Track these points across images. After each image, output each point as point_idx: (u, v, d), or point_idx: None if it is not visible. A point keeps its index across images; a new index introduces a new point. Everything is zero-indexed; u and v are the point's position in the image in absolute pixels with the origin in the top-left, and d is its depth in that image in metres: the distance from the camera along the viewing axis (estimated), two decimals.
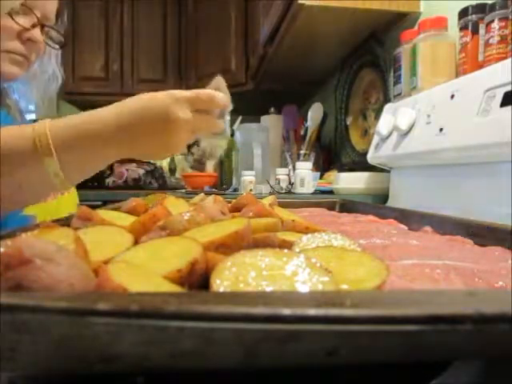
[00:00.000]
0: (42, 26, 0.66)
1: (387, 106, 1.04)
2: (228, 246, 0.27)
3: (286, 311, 0.14)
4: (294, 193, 1.27)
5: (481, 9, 0.82)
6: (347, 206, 0.77)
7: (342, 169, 1.49)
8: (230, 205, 0.51)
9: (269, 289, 0.19)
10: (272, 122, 1.88)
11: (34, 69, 0.73)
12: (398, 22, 1.22)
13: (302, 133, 1.74)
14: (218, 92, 0.53)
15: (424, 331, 0.14)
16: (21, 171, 0.46)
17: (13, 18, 0.61)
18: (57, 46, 0.72)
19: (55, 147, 0.45)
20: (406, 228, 0.50)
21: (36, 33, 0.64)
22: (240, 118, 1.57)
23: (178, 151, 0.53)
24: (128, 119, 0.48)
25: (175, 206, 0.44)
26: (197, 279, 0.22)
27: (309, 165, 1.30)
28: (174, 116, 0.48)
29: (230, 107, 0.57)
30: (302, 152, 1.58)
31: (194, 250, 0.23)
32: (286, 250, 0.22)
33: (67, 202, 0.80)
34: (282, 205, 0.56)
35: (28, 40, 0.64)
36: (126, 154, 0.50)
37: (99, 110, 0.48)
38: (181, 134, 0.49)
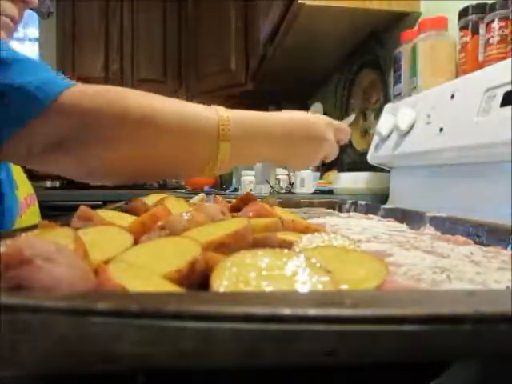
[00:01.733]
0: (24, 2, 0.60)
1: (387, 106, 1.04)
2: (228, 246, 0.27)
3: (286, 311, 0.14)
4: (294, 193, 1.27)
5: (481, 9, 0.82)
6: (347, 206, 0.77)
7: (342, 169, 1.49)
8: (230, 205, 0.51)
9: (269, 289, 0.19)
10: None
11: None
12: (398, 21, 1.22)
13: None
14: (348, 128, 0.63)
15: (424, 331, 0.14)
16: (194, 148, 0.49)
17: None
18: (45, 11, 0.68)
19: (233, 136, 0.49)
20: (406, 227, 0.50)
21: (12, 10, 0.59)
22: None
23: (312, 165, 0.61)
24: (294, 129, 0.54)
25: (175, 206, 0.44)
26: (197, 279, 0.22)
27: None
28: (326, 138, 0.55)
29: None
30: None
31: (193, 249, 0.23)
32: (285, 250, 0.22)
33: (33, 215, 0.75)
34: (282, 205, 0.56)
35: (20, 1, 0.59)
36: (277, 158, 0.56)
37: (269, 113, 0.54)
38: (323, 153, 0.57)
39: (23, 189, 0.72)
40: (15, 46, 0.60)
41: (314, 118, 0.56)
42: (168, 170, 0.54)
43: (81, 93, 0.43)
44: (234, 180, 1.65)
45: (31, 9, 0.64)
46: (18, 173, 0.73)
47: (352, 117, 0.68)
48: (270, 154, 0.54)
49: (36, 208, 0.79)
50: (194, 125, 0.48)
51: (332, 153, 0.60)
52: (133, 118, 0.45)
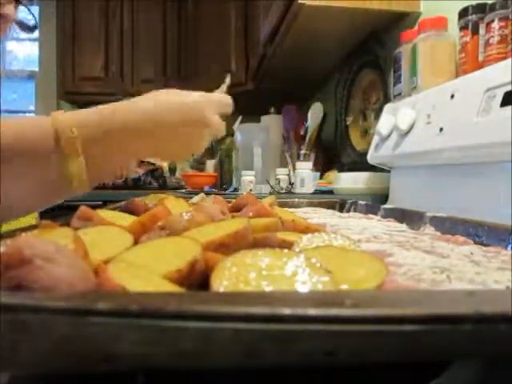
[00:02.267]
0: (17, 2, 0.59)
1: (387, 106, 1.04)
2: (228, 246, 0.27)
3: (286, 311, 0.14)
4: (294, 193, 1.27)
5: (481, 9, 0.82)
6: (347, 205, 0.77)
7: (342, 169, 1.49)
8: (230, 205, 0.51)
9: (269, 289, 0.19)
10: (272, 122, 1.88)
11: None
12: (398, 21, 1.22)
13: (302, 133, 1.74)
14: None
15: (424, 331, 0.14)
16: (37, 171, 0.42)
17: None
18: (29, 31, 0.68)
19: (82, 143, 0.41)
20: (406, 227, 0.50)
21: (9, 9, 0.58)
22: (240, 118, 1.57)
23: (198, 152, 0.52)
24: (166, 113, 0.45)
25: (175, 206, 0.44)
26: (197, 279, 0.22)
27: (309, 165, 1.30)
28: (207, 120, 0.47)
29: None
30: (302, 152, 1.58)
31: (193, 249, 0.23)
32: (285, 250, 0.22)
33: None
34: (282, 204, 0.56)
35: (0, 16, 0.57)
36: (151, 151, 0.47)
37: (134, 99, 0.45)
38: (207, 136, 0.49)
39: None
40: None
41: (190, 99, 0.47)
42: (17, 207, 0.45)
43: None
44: (233, 180, 1.65)
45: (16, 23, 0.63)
46: None
47: (226, 81, 0.58)
48: (142, 148, 0.46)
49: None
50: (23, 142, 0.40)
51: (219, 132, 0.52)
52: None
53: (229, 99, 0.52)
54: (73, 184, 0.42)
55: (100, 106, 0.44)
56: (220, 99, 0.51)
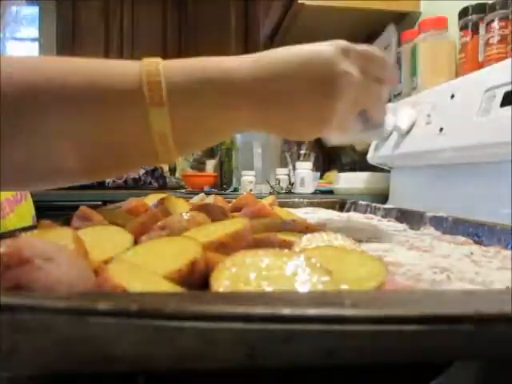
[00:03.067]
0: None
1: (387, 106, 1.04)
2: (228, 246, 0.27)
3: (286, 311, 0.14)
4: (294, 193, 1.27)
5: (481, 9, 0.82)
6: (347, 205, 0.77)
7: (342, 169, 1.49)
8: (230, 205, 0.51)
9: (269, 289, 0.19)
10: None
11: None
12: (398, 22, 1.22)
13: None
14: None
15: (424, 331, 0.14)
16: (117, 126, 0.32)
17: None
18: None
19: (169, 96, 0.31)
20: (406, 227, 0.50)
21: None
22: None
23: (332, 127, 0.36)
24: (275, 69, 0.34)
25: (175, 206, 0.44)
26: (197, 279, 0.22)
27: (309, 165, 1.30)
28: (339, 69, 0.35)
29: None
30: (302, 152, 1.58)
31: (193, 249, 0.23)
32: (286, 250, 0.22)
33: (22, 213, 0.65)
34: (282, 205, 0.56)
35: None
36: (261, 120, 0.35)
37: (230, 57, 0.34)
38: (343, 99, 0.35)
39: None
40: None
41: (318, 46, 0.37)
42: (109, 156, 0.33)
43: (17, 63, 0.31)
44: (233, 180, 1.65)
45: None
46: None
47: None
48: (247, 115, 0.34)
49: (28, 203, 0.69)
50: (104, 87, 0.31)
51: (369, 96, 0.38)
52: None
53: (382, 55, 0.40)
54: (156, 147, 0.32)
55: (195, 59, 0.34)
56: (366, 51, 0.40)
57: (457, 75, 0.88)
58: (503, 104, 0.62)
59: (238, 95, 0.33)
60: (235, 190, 1.48)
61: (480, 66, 0.79)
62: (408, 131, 0.88)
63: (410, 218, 0.53)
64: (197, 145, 0.36)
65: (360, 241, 0.39)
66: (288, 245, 0.29)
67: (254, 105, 0.33)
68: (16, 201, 0.64)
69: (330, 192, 1.23)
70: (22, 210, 0.65)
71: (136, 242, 0.30)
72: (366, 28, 1.30)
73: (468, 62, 0.84)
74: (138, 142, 0.33)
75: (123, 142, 0.33)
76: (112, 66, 0.32)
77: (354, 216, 0.61)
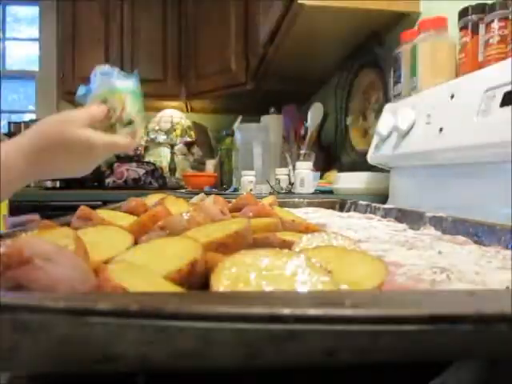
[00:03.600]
0: None
1: (387, 106, 1.04)
2: (228, 246, 0.27)
3: (286, 311, 0.14)
4: (293, 193, 1.27)
5: (481, 9, 0.82)
6: (347, 205, 0.77)
7: (341, 169, 1.49)
8: (230, 205, 0.51)
9: (269, 289, 0.19)
10: (272, 122, 1.87)
11: None
12: (398, 22, 1.22)
13: (302, 133, 1.74)
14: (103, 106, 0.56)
15: (424, 331, 0.14)
16: None
17: None
18: None
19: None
20: (406, 227, 0.50)
21: None
22: (240, 118, 1.56)
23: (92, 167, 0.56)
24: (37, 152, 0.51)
25: (175, 206, 0.44)
26: (197, 279, 0.22)
27: (309, 165, 1.30)
28: (69, 135, 0.52)
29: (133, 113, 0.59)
30: (302, 152, 1.58)
31: (193, 249, 0.23)
32: (286, 250, 0.22)
33: None
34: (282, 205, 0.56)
35: None
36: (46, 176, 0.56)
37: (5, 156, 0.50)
38: (87, 152, 0.53)
39: None
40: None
41: (40, 124, 0.53)
42: None
43: None
44: (233, 180, 1.65)
45: None
46: None
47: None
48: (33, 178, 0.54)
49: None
50: None
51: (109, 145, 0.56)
52: None
53: (102, 110, 0.56)
54: None
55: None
56: (87, 113, 0.55)
57: (457, 75, 0.88)
58: (503, 104, 0.62)
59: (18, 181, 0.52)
60: (235, 190, 1.48)
61: (480, 66, 0.79)
62: (407, 131, 0.88)
63: (410, 218, 0.53)
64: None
65: (360, 241, 0.39)
66: (288, 245, 0.29)
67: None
68: None
69: (330, 192, 1.23)
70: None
71: (136, 242, 0.30)
72: (366, 28, 1.30)
73: (468, 62, 0.84)
74: None
75: None
76: None
77: (354, 216, 0.61)
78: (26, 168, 0.51)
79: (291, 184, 1.32)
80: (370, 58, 1.40)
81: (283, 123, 1.91)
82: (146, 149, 2.33)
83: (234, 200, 0.52)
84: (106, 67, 0.62)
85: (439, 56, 0.92)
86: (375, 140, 1.05)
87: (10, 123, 2.08)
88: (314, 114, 1.70)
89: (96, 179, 1.84)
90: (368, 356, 0.14)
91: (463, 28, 0.85)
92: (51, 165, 0.53)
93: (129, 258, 0.24)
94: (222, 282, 0.19)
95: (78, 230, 0.31)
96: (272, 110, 1.94)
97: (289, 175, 1.37)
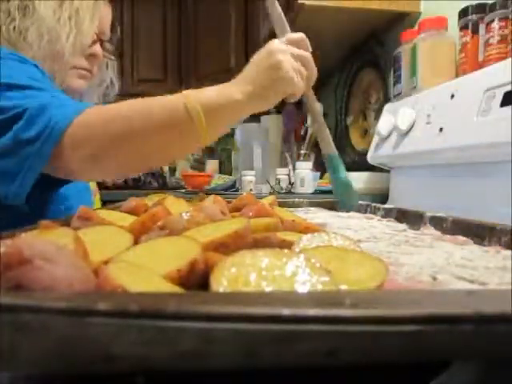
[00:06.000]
0: (101, 41, 0.75)
1: (387, 106, 1.04)
2: (228, 246, 0.27)
3: (286, 311, 0.14)
4: (294, 193, 1.27)
5: (481, 9, 0.82)
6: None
7: None
8: (229, 205, 0.51)
9: (268, 289, 0.19)
10: (272, 122, 1.88)
11: (96, 79, 0.82)
12: (398, 21, 1.22)
13: (302, 133, 1.74)
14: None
15: (424, 331, 0.14)
16: (174, 135, 0.54)
17: None
18: (113, 57, 0.82)
19: (205, 120, 0.53)
20: (406, 227, 0.50)
21: (96, 48, 0.74)
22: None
23: (289, 85, 0.57)
24: (254, 68, 0.59)
25: (175, 206, 0.44)
26: (197, 279, 0.22)
27: (309, 165, 1.30)
28: (271, 47, 0.57)
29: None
30: (302, 152, 1.58)
31: (193, 249, 0.23)
32: (285, 250, 0.22)
33: (97, 201, 0.93)
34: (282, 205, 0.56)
35: (90, 55, 0.73)
36: (255, 101, 0.57)
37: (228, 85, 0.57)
38: (284, 64, 0.55)
39: (92, 185, 0.88)
40: (80, 82, 0.77)
41: (268, 46, 0.57)
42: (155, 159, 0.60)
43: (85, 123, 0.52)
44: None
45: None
46: None
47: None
48: (247, 108, 0.57)
49: (98, 195, 0.98)
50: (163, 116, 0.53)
51: (302, 65, 0.58)
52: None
53: (296, 36, 0.60)
54: (198, 144, 0.56)
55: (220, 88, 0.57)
56: (289, 37, 0.59)
57: (457, 75, 0.88)
58: (503, 104, 0.62)
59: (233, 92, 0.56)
60: (235, 190, 1.48)
61: (480, 66, 0.79)
62: (407, 131, 0.88)
63: (410, 217, 0.53)
64: (221, 129, 0.59)
65: (360, 241, 0.39)
66: (288, 245, 0.29)
67: (242, 91, 0.56)
68: (94, 193, 0.91)
69: (330, 192, 1.23)
70: (97, 200, 0.95)
71: (136, 242, 0.29)
72: (366, 28, 1.30)
73: (468, 62, 0.84)
74: (188, 134, 0.54)
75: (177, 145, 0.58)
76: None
77: (354, 216, 0.61)
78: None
79: (291, 184, 1.32)
80: (369, 58, 1.40)
81: (283, 123, 1.91)
82: None
83: (234, 200, 0.52)
84: None
85: (439, 56, 0.92)
86: (375, 140, 1.05)
87: None
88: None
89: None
90: (368, 356, 0.14)
91: (463, 28, 0.85)
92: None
93: (129, 258, 0.24)
94: (221, 282, 0.19)
95: (78, 230, 0.30)
96: (272, 110, 1.94)
97: (289, 175, 1.37)
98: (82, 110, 0.52)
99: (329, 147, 0.67)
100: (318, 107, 0.69)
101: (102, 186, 1.76)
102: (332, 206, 0.78)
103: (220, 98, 0.55)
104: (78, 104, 0.57)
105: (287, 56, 0.56)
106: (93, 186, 0.91)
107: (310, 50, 0.60)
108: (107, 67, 0.83)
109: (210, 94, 0.55)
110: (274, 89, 0.57)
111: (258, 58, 0.59)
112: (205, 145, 0.57)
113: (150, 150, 0.55)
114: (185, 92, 0.55)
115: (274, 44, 0.57)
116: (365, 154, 1.13)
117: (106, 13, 0.77)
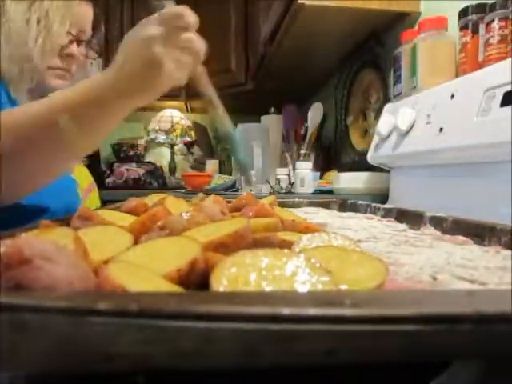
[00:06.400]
0: (79, 41, 0.73)
1: (387, 106, 1.04)
2: (228, 246, 0.27)
3: (286, 311, 0.14)
4: (294, 193, 1.27)
5: (481, 9, 0.82)
6: (347, 205, 0.77)
7: (341, 169, 1.49)
8: (229, 205, 0.51)
9: (268, 289, 0.19)
10: (272, 122, 1.88)
11: (79, 78, 0.78)
12: (398, 21, 1.22)
13: (302, 133, 1.74)
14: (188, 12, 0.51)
15: (424, 331, 0.14)
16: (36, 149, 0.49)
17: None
18: (95, 55, 0.79)
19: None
20: (406, 227, 0.50)
21: (73, 48, 0.72)
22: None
23: (169, 81, 0.50)
24: (127, 80, 0.49)
25: (175, 206, 0.44)
26: (197, 279, 0.22)
27: (309, 165, 1.30)
28: (147, 32, 0.47)
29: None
30: (302, 152, 1.58)
31: (193, 249, 0.23)
32: (285, 250, 0.22)
33: (93, 198, 0.92)
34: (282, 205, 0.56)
35: (67, 56, 0.71)
36: (128, 101, 0.50)
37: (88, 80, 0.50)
38: (163, 60, 0.47)
39: (83, 182, 0.84)
40: (58, 82, 0.76)
41: (143, 32, 0.48)
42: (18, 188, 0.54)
43: None
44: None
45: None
46: (78, 169, 0.86)
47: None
48: (120, 107, 0.50)
49: (95, 192, 0.95)
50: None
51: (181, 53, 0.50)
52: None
53: (174, 10, 0.50)
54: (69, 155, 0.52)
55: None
56: (164, 14, 0.49)
57: (457, 75, 0.88)
58: (503, 104, 0.62)
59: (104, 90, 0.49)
60: (235, 190, 1.48)
61: (480, 66, 0.79)
62: (407, 131, 0.88)
63: (410, 217, 0.53)
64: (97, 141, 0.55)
65: (360, 241, 0.39)
66: (288, 245, 0.29)
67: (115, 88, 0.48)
68: (89, 190, 0.88)
69: (330, 192, 1.23)
70: (94, 197, 0.91)
71: (136, 242, 0.29)
72: (366, 28, 1.30)
73: (468, 62, 0.84)
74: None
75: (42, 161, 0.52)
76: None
77: (354, 216, 0.61)
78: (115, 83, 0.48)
79: (291, 184, 1.32)
80: (370, 58, 1.40)
81: (283, 123, 1.91)
82: (146, 149, 2.33)
83: (234, 200, 0.52)
84: None
85: (439, 56, 0.92)
86: (375, 140, 1.05)
87: None
88: (314, 114, 1.70)
89: (96, 179, 1.84)
90: (368, 356, 0.14)
91: (463, 28, 0.85)
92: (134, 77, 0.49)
93: (129, 257, 0.24)
94: (221, 282, 0.19)
95: (78, 230, 0.31)
96: (272, 110, 1.94)
97: (289, 175, 1.37)
98: None
99: (227, 125, 0.62)
100: (210, 85, 0.66)
101: (102, 183, 1.75)
102: (332, 206, 0.78)
103: (85, 98, 0.49)
104: None
105: (166, 48, 0.48)
106: (84, 181, 0.87)
107: (193, 20, 0.52)
108: (91, 65, 0.83)
109: (71, 95, 0.49)
110: (151, 88, 0.50)
111: (132, 45, 0.49)
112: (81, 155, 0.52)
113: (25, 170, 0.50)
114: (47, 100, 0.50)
115: (151, 31, 0.47)
116: (365, 154, 1.13)
117: (86, 12, 0.76)
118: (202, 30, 0.56)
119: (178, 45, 0.49)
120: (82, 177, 0.85)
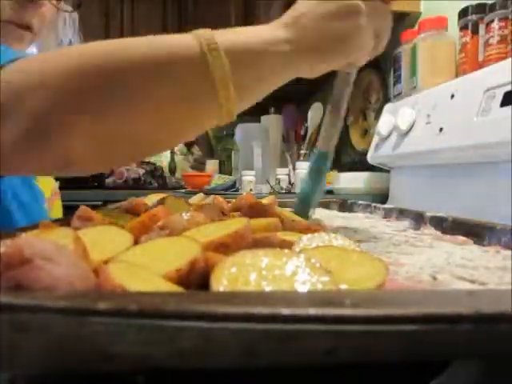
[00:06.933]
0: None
1: (387, 106, 1.04)
2: (228, 246, 0.27)
3: (286, 311, 0.14)
4: (294, 193, 1.27)
5: (481, 9, 0.82)
6: (347, 205, 0.77)
7: (342, 169, 1.49)
8: (229, 205, 0.51)
9: (268, 289, 0.19)
10: (272, 122, 1.88)
11: (47, 39, 0.60)
12: (398, 21, 1.22)
13: (302, 133, 1.74)
14: None
15: (424, 331, 0.14)
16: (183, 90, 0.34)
17: None
18: (69, 8, 0.57)
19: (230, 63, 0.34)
20: (406, 227, 0.50)
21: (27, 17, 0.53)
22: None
23: (361, 45, 0.40)
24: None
25: (175, 206, 0.44)
26: (197, 279, 0.22)
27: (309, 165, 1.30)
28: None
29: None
30: (302, 152, 1.58)
31: (193, 249, 0.23)
32: (286, 250, 0.22)
33: (57, 207, 0.74)
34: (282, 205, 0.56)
35: (25, 2, 0.52)
36: (302, 52, 0.38)
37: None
38: (363, 10, 0.37)
39: (47, 191, 0.67)
40: (16, 45, 0.56)
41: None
42: (166, 128, 0.36)
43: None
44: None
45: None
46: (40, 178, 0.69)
47: None
48: (291, 55, 0.38)
49: (59, 200, 0.76)
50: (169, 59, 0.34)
51: (377, 14, 0.39)
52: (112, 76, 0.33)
53: None
54: (218, 91, 0.35)
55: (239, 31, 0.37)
56: None
57: (457, 75, 0.88)
58: (503, 104, 0.62)
59: (279, 43, 0.37)
60: (235, 190, 1.48)
61: (480, 65, 0.79)
62: (407, 131, 0.88)
63: (410, 218, 0.53)
64: (253, 91, 0.42)
65: (360, 241, 0.39)
66: (288, 245, 0.29)
67: (290, 40, 0.37)
68: (53, 199, 0.71)
69: (330, 192, 1.23)
70: (57, 205, 0.72)
71: (136, 242, 0.29)
72: None
73: (468, 62, 0.84)
74: (202, 94, 0.35)
75: (190, 97, 0.35)
76: (169, 41, 0.35)
77: (354, 216, 0.61)
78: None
79: (291, 184, 1.32)
80: (369, 58, 1.40)
81: (283, 123, 1.91)
82: None
83: (233, 200, 0.52)
84: None
85: (439, 56, 0.92)
86: (375, 140, 1.05)
87: None
88: (314, 114, 1.70)
89: (96, 179, 1.84)
90: (368, 356, 0.14)
91: (463, 28, 0.85)
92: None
93: (129, 257, 0.24)
94: (221, 282, 0.19)
95: (78, 230, 0.30)
96: (272, 110, 1.94)
97: (289, 175, 1.37)
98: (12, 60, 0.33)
99: (328, 144, 0.49)
100: (349, 93, 0.48)
101: (81, 183, 1.70)
102: (332, 206, 0.78)
103: (256, 43, 0.36)
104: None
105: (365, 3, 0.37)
106: (47, 190, 0.66)
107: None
108: (65, 23, 0.63)
109: (240, 37, 0.36)
110: (340, 44, 0.38)
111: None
112: (226, 120, 0.38)
113: (141, 127, 0.35)
114: (199, 32, 0.35)
115: None
116: (365, 154, 1.13)
117: None
118: None
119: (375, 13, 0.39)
120: (46, 185, 0.66)
